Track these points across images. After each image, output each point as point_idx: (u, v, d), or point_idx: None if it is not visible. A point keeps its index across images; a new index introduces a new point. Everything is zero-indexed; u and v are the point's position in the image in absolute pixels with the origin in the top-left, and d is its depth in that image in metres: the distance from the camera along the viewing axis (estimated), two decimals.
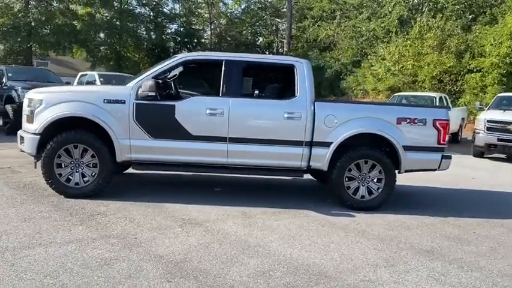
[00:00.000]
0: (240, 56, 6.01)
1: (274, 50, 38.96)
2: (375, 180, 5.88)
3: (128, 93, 5.55)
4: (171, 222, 4.87)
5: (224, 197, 6.08)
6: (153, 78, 5.59)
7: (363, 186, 5.86)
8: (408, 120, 5.77)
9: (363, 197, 5.86)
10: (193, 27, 37.36)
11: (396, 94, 17.04)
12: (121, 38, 32.52)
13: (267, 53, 37.12)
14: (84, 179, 5.61)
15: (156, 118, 5.58)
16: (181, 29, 36.28)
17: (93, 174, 5.60)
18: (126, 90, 5.59)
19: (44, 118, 5.47)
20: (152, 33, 34.81)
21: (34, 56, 30.13)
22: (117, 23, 32.27)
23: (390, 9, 26.33)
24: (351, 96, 27.46)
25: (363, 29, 28.17)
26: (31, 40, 27.84)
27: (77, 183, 5.60)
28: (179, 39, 35.85)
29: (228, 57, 5.85)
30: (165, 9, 36.63)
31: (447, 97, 16.45)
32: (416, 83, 22.76)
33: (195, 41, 35.80)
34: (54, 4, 29.27)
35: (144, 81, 5.49)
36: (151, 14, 35.32)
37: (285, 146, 5.67)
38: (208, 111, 5.57)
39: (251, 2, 39.22)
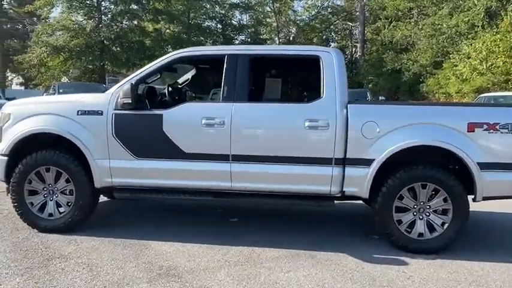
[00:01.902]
0: (246, 49, 4.63)
1: (348, 55, 36.95)
2: (438, 211, 4.16)
3: (106, 101, 4.43)
4: (141, 273, 3.60)
5: (235, 231, 4.70)
6: (136, 81, 4.41)
7: (420, 219, 4.17)
8: (486, 126, 4.00)
9: (420, 234, 4.16)
10: (261, 37, 36.62)
11: (482, 95, 14.50)
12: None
13: None
14: (60, 208, 4.56)
15: (139, 132, 4.39)
16: (249, 40, 35.67)
17: (69, 204, 4.52)
18: (104, 99, 4.47)
19: (10, 136, 4.51)
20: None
21: (107, 73, 31.14)
22: (185, 36, 32.42)
23: (476, 1, 23.29)
24: (432, 100, 24.67)
25: (444, 25, 25.26)
26: (103, 58, 28.74)
27: (50, 214, 4.56)
28: None
29: (231, 50, 4.51)
30: (233, 21, 36.36)
31: None
32: (510, 83, 19.62)
33: None
34: (125, 22, 30.09)
35: (123, 87, 4.33)
36: (219, 26, 35.16)
37: (307, 165, 4.18)
38: (204, 121, 4.26)
39: (322, 8, 37.68)
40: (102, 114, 4.39)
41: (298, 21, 38.26)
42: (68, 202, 4.53)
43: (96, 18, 29.16)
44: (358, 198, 4.39)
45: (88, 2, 29.22)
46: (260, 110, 4.35)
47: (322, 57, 4.33)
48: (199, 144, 4.30)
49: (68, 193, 4.53)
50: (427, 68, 26.48)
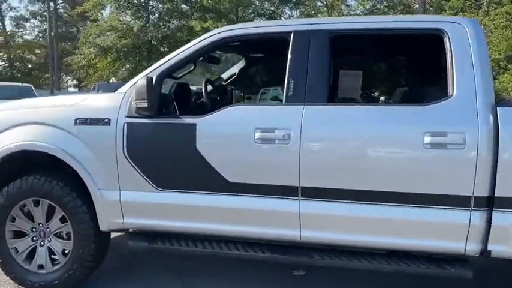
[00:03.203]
0: (323, 22, 3.00)
1: None
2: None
3: (116, 105, 3.01)
4: None
5: None
6: (159, 75, 2.96)
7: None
8: None
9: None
10: None
11: None
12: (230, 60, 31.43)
13: None
14: (54, 257, 3.21)
15: (162, 150, 2.93)
16: None
17: (65, 252, 3.15)
18: (113, 101, 3.05)
19: None
20: None
21: None
22: None
23: None
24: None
25: None
26: (151, 59, 28.06)
27: (41, 266, 3.21)
28: None
29: (300, 25, 2.93)
30: (282, 18, 34.82)
31: None
32: None
33: None
34: (173, 22, 29.32)
35: (138, 83, 2.88)
36: None
37: (424, 206, 2.55)
38: (258, 135, 2.74)
39: (377, 1, 35.35)
40: (109, 124, 2.99)
41: (351, 16, 36.13)
42: (65, 249, 3.15)
43: (144, 18, 28.53)
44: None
45: (136, 1, 28.69)
46: (347, 116, 2.74)
47: (448, 32, 2.67)
48: (251, 170, 2.79)
49: (64, 237, 3.16)
50: (500, 63, 23.72)
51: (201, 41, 3.01)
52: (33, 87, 12.51)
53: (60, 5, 45.47)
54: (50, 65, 33.88)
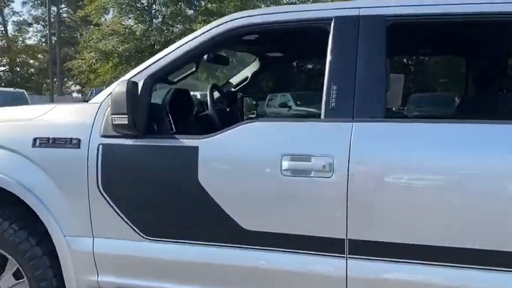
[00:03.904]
0: (383, 4, 2.06)
1: None
2: None
3: (89, 120, 2.19)
4: None
5: None
6: (148, 78, 2.14)
7: None
8: None
9: None
10: None
11: None
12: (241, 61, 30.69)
13: None
14: None
15: (152, 184, 2.11)
16: None
17: None
18: (86, 115, 2.23)
19: None
20: None
21: None
22: None
23: None
24: None
25: None
26: None
27: None
28: None
29: (347, 9, 2.07)
30: None
31: None
32: None
33: None
34: (177, 26, 28.62)
35: (117, 89, 2.04)
36: None
37: None
38: (287, 164, 1.89)
39: None
40: (79, 146, 2.16)
41: None
42: None
43: (147, 22, 27.87)
44: None
45: (138, 5, 28.05)
46: (423, 138, 1.89)
47: None
48: (275, 213, 1.96)
49: None
50: None
51: (206, 32, 2.17)
52: (25, 93, 11.78)
53: (64, 9, 45.07)
54: (51, 70, 33.33)
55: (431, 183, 1.83)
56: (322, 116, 1.97)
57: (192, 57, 2.26)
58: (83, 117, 2.22)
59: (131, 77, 2.17)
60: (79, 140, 2.16)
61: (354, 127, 1.89)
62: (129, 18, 28.17)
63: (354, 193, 1.85)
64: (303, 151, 1.92)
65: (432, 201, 1.80)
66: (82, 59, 27.10)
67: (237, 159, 2.02)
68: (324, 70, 2.02)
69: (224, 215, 1.99)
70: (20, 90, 11.57)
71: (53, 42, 38.98)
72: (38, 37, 45.93)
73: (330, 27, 2.03)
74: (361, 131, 1.89)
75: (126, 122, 1.93)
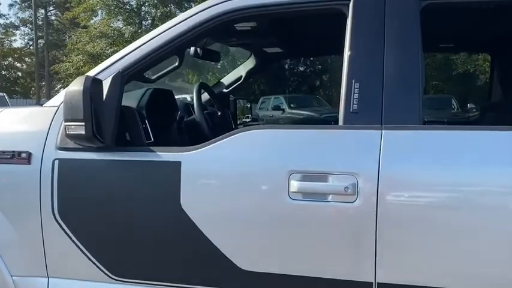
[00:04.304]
0: None
1: None
2: None
3: (42, 129, 1.72)
4: None
5: None
6: (117, 75, 1.68)
7: None
8: None
9: None
10: None
11: None
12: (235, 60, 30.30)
13: None
14: None
15: (121, 210, 1.65)
16: None
17: None
18: (38, 122, 1.76)
19: None
20: None
21: None
22: None
23: None
24: None
25: None
26: None
27: None
28: None
29: None
30: None
31: None
32: None
33: None
34: None
35: (72, 88, 1.57)
36: None
37: None
38: (297, 185, 1.44)
39: None
40: (29, 162, 1.70)
41: None
42: None
43: (136, 24, 27.38)
44: None
45: (127, 7, 27.55)
46: (473, 150, 1.45)
47: None
48: (281, 249, 1.51)
49: None
50: None
51: (188, 19, 1.72)
52: (6, 96, 11.23)
53: (52, 12, 44.42)
54: (37, 73, 32.66)
55: (498, 212, 1.38)
56: (341, 122, 1.52)
57: (172, 50, 1.80)
58: (34, 124, 1.76)
59: (96, 74, 1.71)
60: (29, 154, 1.69)
61: (383, 136, 1.44)
62: (118, 20, 27.68)
63: (385, 223, 1.40)
64: (317, 168, 1.47)
65: (496, 234, 1.36)
66: (69, 61, 26.51)
67: (231, 178, 1.56)
68: (341, 64, 1.58)
69: (214, 250, 1.53)
70: (1, 94, 11.04)
71: (42, 45, 38.31)
72: (26, 40, 45.15)
73: (348, 10, 1.59)
74: (394, 141, 1.44)
75: (83, 132, 1.47)
